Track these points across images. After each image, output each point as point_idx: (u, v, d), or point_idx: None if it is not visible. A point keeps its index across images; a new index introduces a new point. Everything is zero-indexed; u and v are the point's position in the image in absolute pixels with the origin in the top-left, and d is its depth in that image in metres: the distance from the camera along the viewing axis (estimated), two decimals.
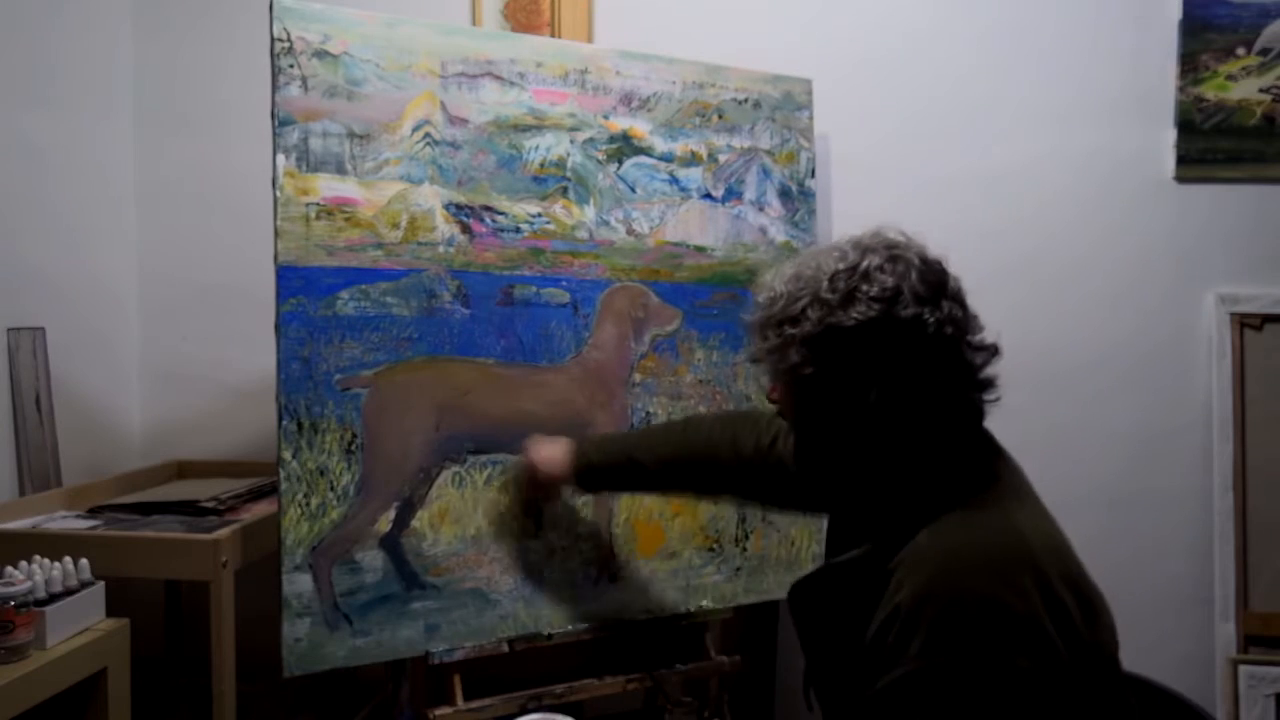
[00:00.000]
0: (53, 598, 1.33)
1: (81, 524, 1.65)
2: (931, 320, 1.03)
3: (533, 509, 1.67)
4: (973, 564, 0.97)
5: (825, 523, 1.34)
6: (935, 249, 1.10)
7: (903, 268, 1.05)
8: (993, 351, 1.09)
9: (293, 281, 1.51)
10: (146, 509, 1.73)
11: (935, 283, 1.06)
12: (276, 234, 1.50)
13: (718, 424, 1.50)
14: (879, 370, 1.04)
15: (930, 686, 0.95)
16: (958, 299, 1.08)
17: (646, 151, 1.83)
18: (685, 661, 1.80)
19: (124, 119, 2.16)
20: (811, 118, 2.01)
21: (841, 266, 1.06)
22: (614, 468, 1.54)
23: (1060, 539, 1.06)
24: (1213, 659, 2.14)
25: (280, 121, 1.52)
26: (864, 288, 1.04)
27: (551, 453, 1.59)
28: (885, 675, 0.98)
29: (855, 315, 1.03)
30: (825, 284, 1.06)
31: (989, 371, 1.09)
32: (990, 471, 1.09)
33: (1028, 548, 0.99)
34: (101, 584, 1.42)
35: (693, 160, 1.88)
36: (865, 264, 1.06)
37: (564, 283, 1.74)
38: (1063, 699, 0.95)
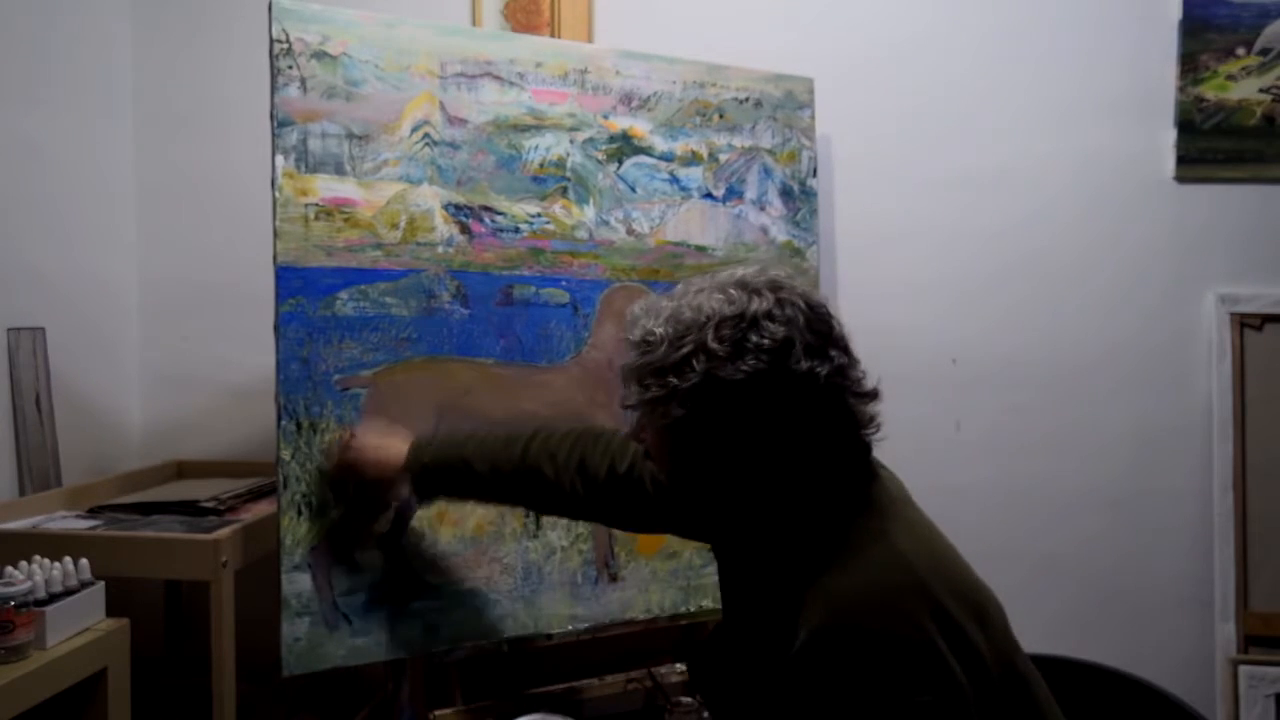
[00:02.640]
0: (53, 598, 1.33)
1: (81, 524, 1.65)
2: (822, 373, 0.99)
3: (369, 503, 1.53)
4: (864, 603, 0.94)
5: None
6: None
7: (791, 312, 1.00)
8: (874, 396, 1.06)
9: (292, 282, 1.51)
10: (146, 509, 1.73)
11: (824, 331, 1.02)
12: (275, 234, 1.50)
13: (564, 444, 1.38)
14: (765, 422, 0.99)
15: None
16: (843, 346, 1.04)
17: (647, 151, 1.83)
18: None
19: (123, 119, 2.15)
20: (813, 117, 2.01)
21: (729, 312, 1.00)
22: (448, 471, 1.42)
23: (941, 547, 1.04)
24: (1213, 659, 2.14)
25: (279, 122, 1.52)
26: (753, 338, 0.98)
27: (387, 443, 1.45)
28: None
29: (744, 369, 0.98)
30: (711, 332, 0.99)
31: (872, 410, 1.06)
32: (868, 500, 1.05)
33: (914, 573, 0.96)
34: (101, 584, 1.42)
35: (693, 160, 1.87)
36: (753, 309, 1.00)
37: (564, 283, 1.74)
38: None
